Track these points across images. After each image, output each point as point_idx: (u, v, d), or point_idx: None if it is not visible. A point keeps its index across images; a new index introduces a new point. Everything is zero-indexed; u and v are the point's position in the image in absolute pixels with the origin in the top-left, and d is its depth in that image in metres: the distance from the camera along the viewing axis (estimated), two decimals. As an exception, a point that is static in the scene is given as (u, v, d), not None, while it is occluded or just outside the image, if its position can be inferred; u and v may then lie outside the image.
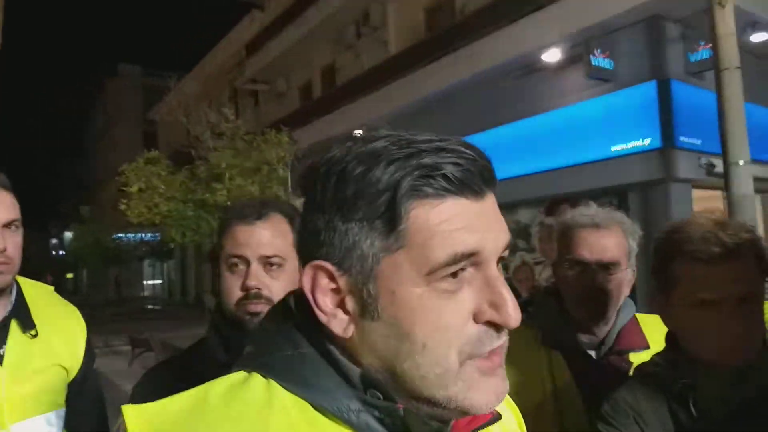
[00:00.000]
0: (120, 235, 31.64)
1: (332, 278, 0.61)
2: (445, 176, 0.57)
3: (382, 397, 0.60)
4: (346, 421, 0.59)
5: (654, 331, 1.51)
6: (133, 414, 0.59)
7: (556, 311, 1.58)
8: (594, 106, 9.45)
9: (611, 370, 1.48)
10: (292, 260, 1.39)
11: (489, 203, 0.61)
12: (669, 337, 1.19)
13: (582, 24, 9.18)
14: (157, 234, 27.43)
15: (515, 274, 4.32)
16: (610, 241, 1.49)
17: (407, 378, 0.59)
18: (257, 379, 0.61)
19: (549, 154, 9.76)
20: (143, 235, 31.59)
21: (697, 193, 9.03)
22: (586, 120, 9.50)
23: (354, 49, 16.22)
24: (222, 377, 0.64)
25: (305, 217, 0.64)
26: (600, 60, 9.10)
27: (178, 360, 1.47)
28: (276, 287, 1.33)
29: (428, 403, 0.60)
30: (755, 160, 5.67)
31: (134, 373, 9.93)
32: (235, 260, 1.34)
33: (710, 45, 5.97)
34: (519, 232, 9.68)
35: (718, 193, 7.97)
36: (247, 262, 1.33)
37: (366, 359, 0.61)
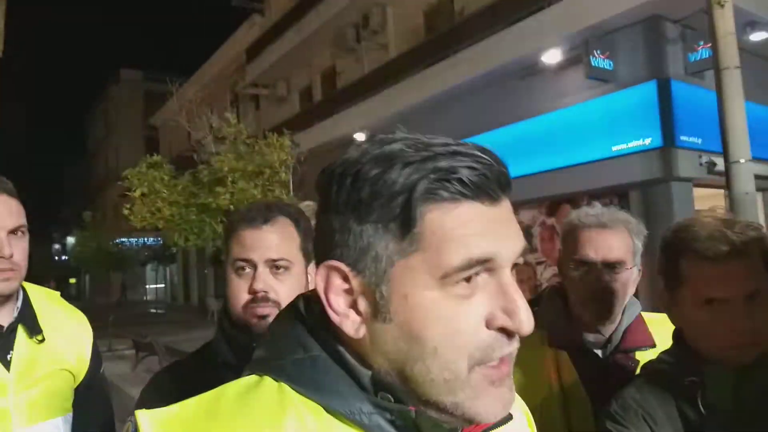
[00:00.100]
0: (122, 239, 31.68)
1: (345, 279, 0.61)
2: (461, 180, 0.57)
3: (393, 400, 0.60)
4: (358, 423, 0.59)
5: (659, 329, 1.52)
6: (146, 419, 0.59)
7: (562, 311, 1.58)
8: (594, 107, 9.46)
9: (617, 369, 1.49)
10: (299, 263, 1.39)
11: (504, 209, 0.61)
12: (676, 335, 1.19)
13: (581, 25, 9.19)
14: (159, 238, 27.46)
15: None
16: (616, 241, 1.50)
17: (416, 381, 0.59)
18: (269, 382, 0.62)
19: (550, 155, 9.77)
20: (145, 239, 31.63)
21: (698, 191, 9.03)
22: (586, 120, 9.51)
23: (354, 53, 16.24)
24: (233, 381, 0.64)
25: (320, 218, 0.64)
26: (600, 61, 9.11)
27: (186, 364, 1.48)
28: (283, 290, 1.33)
29: (435, 408, 0.60)
30: (756, 159, 5.67)
31: (138, 377, 9.94)
32: (242, 264, 1.35)
33: (710, 45, 5.98)
34: (520, 233, 9.67)
35: (720, 192, 7.97)
36: (254, 266, 1.34)
37: (376, 361, 0.61)
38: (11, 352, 1.49)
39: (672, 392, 1.13)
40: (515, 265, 0.62)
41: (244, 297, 1.34)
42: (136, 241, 32.38)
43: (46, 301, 1.65)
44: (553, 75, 10.24)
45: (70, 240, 42.18)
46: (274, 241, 1.35)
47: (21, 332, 1.52)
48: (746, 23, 8.54)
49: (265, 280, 1.33)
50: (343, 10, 15.63)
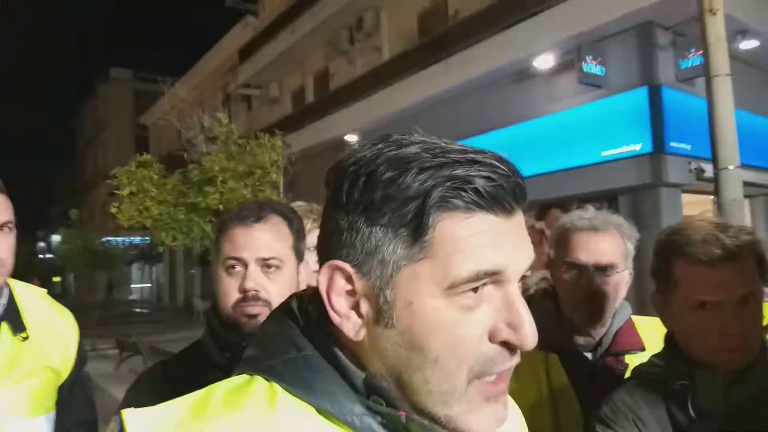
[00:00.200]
0: (109, 238, 31.44)
1: (349, 280, 0.60)
2: (476, 190, 0.55)
3: (384, 404, 0.59)
4: (349, 425, 0.58)
5: (649, 333, 1.52)
6: (134, 418, 0.58)
7: (553, 313, 1.58)
8: (585, 112, 9.52)
9: (607, 372, 1.49)
10: (291, 263, 1.38)
11: (517, 221, 0.59)
12: (668, 338, 1.19)
13: (574, 31, 9.25)
14: (146, 238, 27.28)
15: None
16: (608, 244, 1.50)
17: (413, 390, 0.58)
18: (260, 382, 0.61)
19: (541, 159, 9.81)
20: (132, 238, 31.41)
21: (686, 197, 9.10)
22: (577, 125, 9.56)
23: (347, 55, 16.24)
24: (224, 381, 0.63)
25: (327, 214, 0.63)
26: (592, 66, 9.17)
27: (173, 363, 1.46)
28: (274, 290, 1.32)
29: (429, 418, 0.59)
30: (744, 165, 5.71)
31: (122, 377, 9.86)
32: (233, 262, 1.33)
33: (701, 52, 6.02)
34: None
35: (708, 198, 8.03)
36: (245, 265, 1.32)
37: (373, 365, 0.60)
38: None
39: (663, 396, 1.13)
40: (521, 278, 0.60)
41: (235, 296, 1.32)
42: (122, 241, 32.15)
43: (31, 298, 1.63)
44: (545, 80, 10.29)
45: (56, 238, 41.83)
46: (266, 240, 1.34)
47: (5, 329, 1.50)
48: (737, 31, 8.62)
49: (256, 279, 1.31)
50: (336, 12, 15.63)
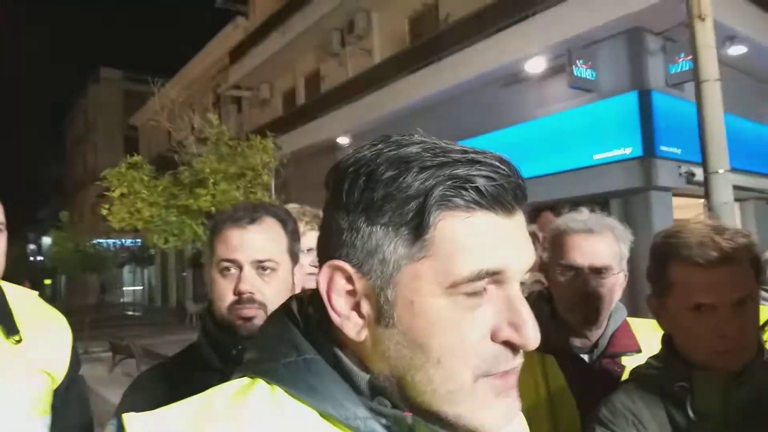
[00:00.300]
0: (100, 240, 31.24)
1: (350, 280, 0.59)
2: (477, 189, 0.55)
3: (390, 405, 0.59)
4: (353, 429, 0.57)
5: (645, 334, 1.53)
6: (134, 422, 0.57)
7: (549, 316, 1.58)
8: (576, 116, 9.57)
9: (604, 374, 1.49)
10: (286, 265, 1.38)
11: (518, 221, 0.59)
12: (665, 341, 1.20)
13: (565, 35, 9.30)
14: (137, 240, 27.12)
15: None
16: (603, 246, 1.50)
17: (417, 390, 0.58)
18: (261, 385, 0.60)
19: (532, 163, 9.84)
20: (123, 241, 31.23)
21: (677, 201, 9.16)
22: (568, 129, 9.61)
23: (338, 57, 16.25)
24: (224, 384, 0.63)
25: (327, 215, 0.62)
26: (582, 70, 9.22)
27: (169, 366, 1.45)
28: (269, 292, 1.32)
29: (436, 418, 0.58)
30: (734, 169, 5.76)
31: (115, 380, 9.80)
32: (228, 264, 1.33)
33: (690, 57, 6.07)
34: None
35: (698, 202, 8.09)
36: (240, 267, 1.32)
37: (376, 366, 0.60)
38: None
39: (661, 397, 1.13)
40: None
41: (230, 298, 1.31)
42: (113, 243, 31.95)
43: (24, 300, 1.61)
44: (536, 84, 10.33)
45: (46, 240, 41.48)
46: (261, 242, 1.33)
47: None
48: (726, 37, 8.70)
49: (251, 281, 1.31)
50: (327, 14, 15.63)
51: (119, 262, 33.05)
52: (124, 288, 40.41)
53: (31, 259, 51.98)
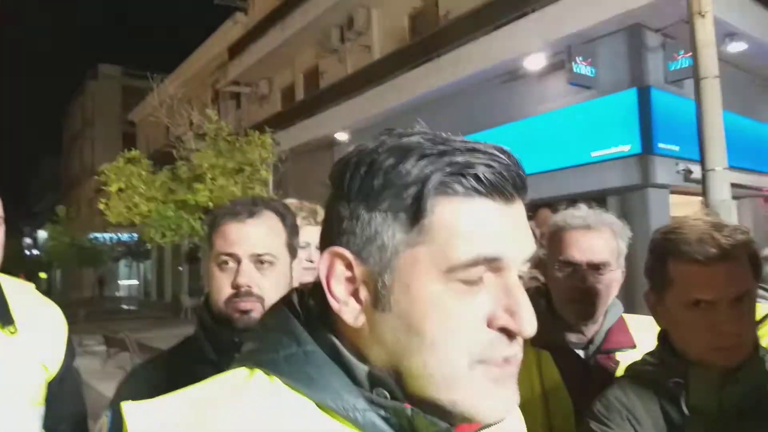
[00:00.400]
0: (96, 235, 31.25)
1: (349, 266, 0.60)
2: (476, 176, 0.56)
3: (389, 396, 0.59)
4: (351, 421, 0.57)
5: (641, 331, 1.53)
6: (134, 411, 0.57)
7: (545, 311, 1.58)
8: (575, 113, 9.56)
9: (599, 369, 1.50)
10: (284, 259, 1.38)
11: (518, 210, 0.59)
12: (661, 337, 1.20)
13: (564, 32, 9.29)
14: (134, 234, 27.13)
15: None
16: (601, 243, 1.51)
17: (413, 376, 0.58)
18: (261, 376, 0.60)
19: (530, 159, 9.80)
20: (120, 235, 31.25)
21: (674, 198, 9.17)
22: (567, 126, 9.60)
23: (338, 53, 16.22)
24: (223, 374, 0.63)
25: (330, 206, 0.63)
26: (582, 67, 9.21)
27: (165, 358, 1.45)
28: (267, 285, 1.32)
29: (432, 405, 0.58)
30: (731, 167, 5.77)
31: (108, 373, 9.79)
32: (226, 258, 1.33)
33: (689, 54, 6.08)
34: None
35: (696, 199, 8.10)
36: (238, 260, 1.32)
37: (373, 354, 0.60)
38: None
39: (656, 393, 1.13)
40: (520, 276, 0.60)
41: (227, 291, 1.32)
42: (110, 237, 31.97)
43: (19, 292, 1.61)
44: (535, 80, 10.33)
45: (42, 234, 41.50)
46: (259, 236, 1.33)
47: None
48: (725, 34, 8.70)
49: (248, 274, 1.31)
50: (327, 10, 15.60)
51: (115, 256, 33.09)
52: (120, 282, 40.42)
53: (27, 252, 51.96)
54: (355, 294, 0.60)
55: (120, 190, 10.98)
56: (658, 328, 1.22)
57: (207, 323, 1.36)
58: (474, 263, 0.56)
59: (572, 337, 1.55)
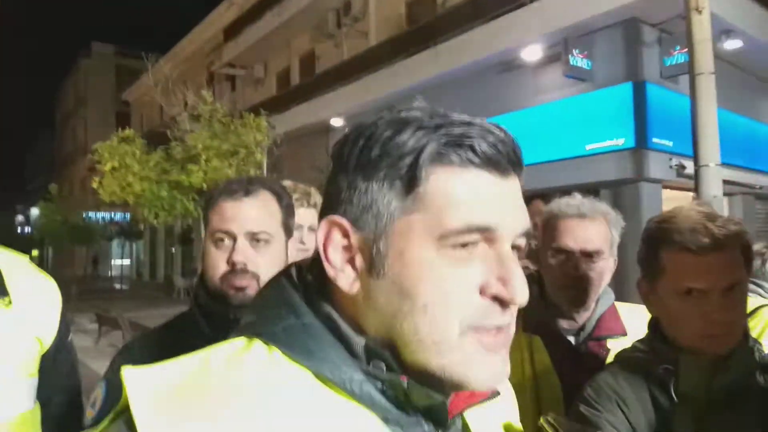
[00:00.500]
0: (89, 213, 31.09)
1: (346, 235, 0.61)
2: (472, 147, 0.57)
3: (385, 369, 0.60)
4: (348, 392, 0.58)
5: (631, 319, 1.55)
6: (133, 377, 0.57)
7: (538, 297, 1.60)
8: (570, 105, 9.58)
9: (589, 356, 1.51)
10: (279, 238, 1.38)
11: (512, 185, 0.61)
12: (652, 324, 1.21)
13: (562, 23, 9.28)
14: (127, 214, 27.02)
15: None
16: (594, 231, 1.52)
17: (405, 341, 0.58)
18: (260, 346, 0.60)
19: (525, 151, 9.74)
20: (112, 214, 31.12)
21: (666, 193, 9.22)
22: (562, 118, 9.62)
23: (334, 38, 16.13)
24: (222, 343, 0.63)
25: (330, 180, 0.64)
26: (578, 60, 9.22)
27: (159, 333, 1.45)
28: (262, 263, 1.32)
29: (424, 372, 0.59)
30: (724, 164, 5.80)
31: (100, 351, 9.80)
32: (222, 235, 1.33)
33: (686, 50, 6.08)
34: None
35: (688, 195, 8.15)
36: (234, 238, 1.32)
37: (368, 322, 0.61)
38: None
39: (646, 379, 1.15)
40: (516, 247, 0.61)
41: (222, 268, 1.32)
42: (102, 216, 31.82)
43: (14, 264, 1.60)
44: (531, 71, 10.32)
45: (35, 212, 41.21)
46: (255, 214, 1.34)
47: None
48: (722, 31, 8.72)
49: (244, 251, 1.32)
50: (324, -7, 15.51)
51: (108, 235, 32.95)
52: (113, 262, 40.27)
53: (19, 230, 51.64)
54: (351, 261, 0.61)
55: (114, 169, 10.90)
56: (649, 317, 1.24)
57: (202, 300, 1.37)
58: (467, 230, 0.57)
59: (564, 324, 1.57)
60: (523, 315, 1.57)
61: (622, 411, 1.13)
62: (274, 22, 17.58)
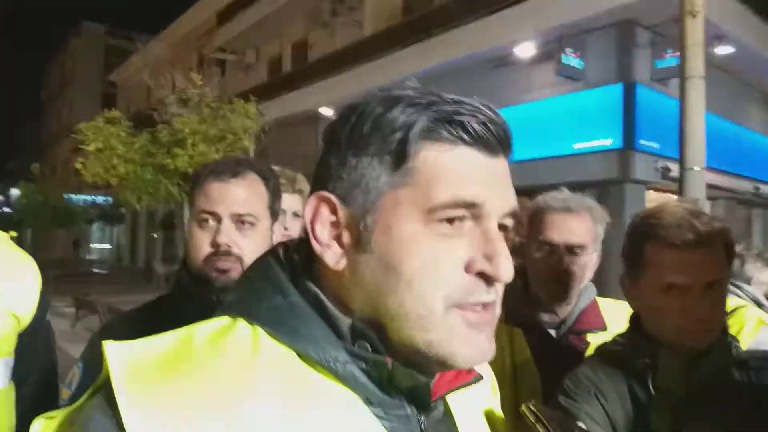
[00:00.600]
0: (71, 196, 30.73)
1: (334, 211, 0.61)
2: (462, 125, 0.58)
3: (370, 349, 0.59)
4: (332, 372, 0.58)
5: (612, 314, 1.56)
6: (115, 350, 0.56)
7: (521, 290, 1.61)
8: (560, 104, 9.61)
9: (569, 349, 1.53)
10: (265, 221, 1.37)
11: (501, 164, 0.61)
12: (632, 319, 1.23)
13: (556, 22, 9.30)
14: (108, 197, 26.73)
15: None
16: (579, 225, 1.53)
17: (390, 317, 0.58)
18: (243, 325, 0.60)
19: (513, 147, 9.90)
20: (95, 197, 30.79)
21: (650, 194, 9.30)
22: (552, 116, 9.66)
23: (328, 27, 16.03)
24: (203, 321, 0.62)
25: (321, 159, 0.64)
26: (571, 59, 9.25)
27: (139, 314, 1.43)
28: (247, 246, 1.31)
29: (409, 348, 0.58)
30: (709, 168, 5.85)
31: (77, 335, 9.71)
32: (207, 216, 1.32)
33: (677, 53, 6.11)
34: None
35: (672, 197, 8.22)
36: (219, 219, 1.31)
37: (354, 300, 0.61)
38: None
39: (625, 372, 1.16)
40: (504, 227, 0.61)
41: (206, 250, 1.31)
42: (84, 199, 31.46)
43: None
44: (524, 68, 10.34)
45: (15, 192, 40.69)
46: (241, 196, 1.33)
47: None
48: (714, 36, 8.77)
49: (228, 233, 1.30)
50: (319, -18, 15.39)
51: (89, 218, 32.61)
52: (93, 245, 39.90)
53: None
54: (338, 238, 0.61)
55: (98, 150, 10.77)
56: (630, 312, 1.24)
57: (185, 282, 1.35)
58: (454, 205, 0.57)
59: (545, 317, 1.58)
60: (506, 307, 1.57)
61: (600, 403, 1.14)
62: (268, 9, 17.43)
